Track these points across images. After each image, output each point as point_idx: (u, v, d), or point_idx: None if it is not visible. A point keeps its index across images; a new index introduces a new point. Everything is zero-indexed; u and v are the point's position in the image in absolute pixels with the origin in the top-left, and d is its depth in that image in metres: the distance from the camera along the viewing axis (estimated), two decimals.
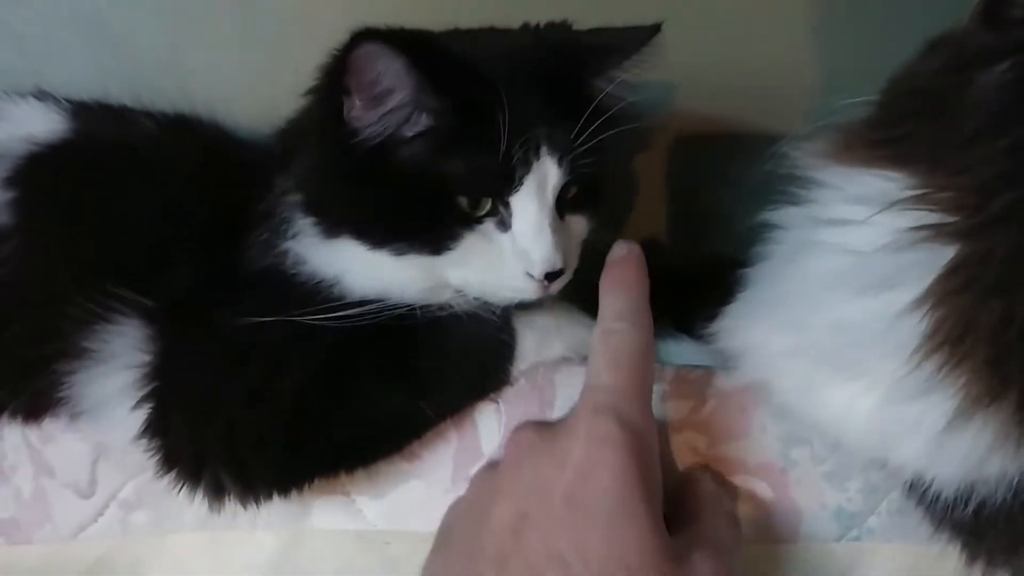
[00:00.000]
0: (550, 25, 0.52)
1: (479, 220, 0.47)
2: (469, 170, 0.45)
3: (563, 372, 0.55)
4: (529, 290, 0.48)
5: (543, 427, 0.46)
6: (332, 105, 0.46)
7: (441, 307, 0.51)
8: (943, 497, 0.44)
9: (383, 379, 0.50)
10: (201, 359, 0.50)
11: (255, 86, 0.69)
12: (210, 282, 0.52)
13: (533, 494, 0.42)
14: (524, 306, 0.53)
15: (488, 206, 0.47)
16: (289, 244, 0.51)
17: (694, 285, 0.58)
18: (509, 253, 0.47)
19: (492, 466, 0.48)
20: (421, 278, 0.49)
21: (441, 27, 0.53)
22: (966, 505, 0.43)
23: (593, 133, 0.46)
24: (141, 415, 0.50)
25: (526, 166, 0.46)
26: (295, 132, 0.53)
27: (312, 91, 0.51)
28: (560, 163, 0.47)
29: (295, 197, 0.50)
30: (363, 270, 0.49)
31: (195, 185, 0.56)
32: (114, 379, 0.51)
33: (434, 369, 0.51)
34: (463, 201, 0.46)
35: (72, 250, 0.53)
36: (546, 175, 0.47)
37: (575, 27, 0.52)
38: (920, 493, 0.46)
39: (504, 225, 0.48)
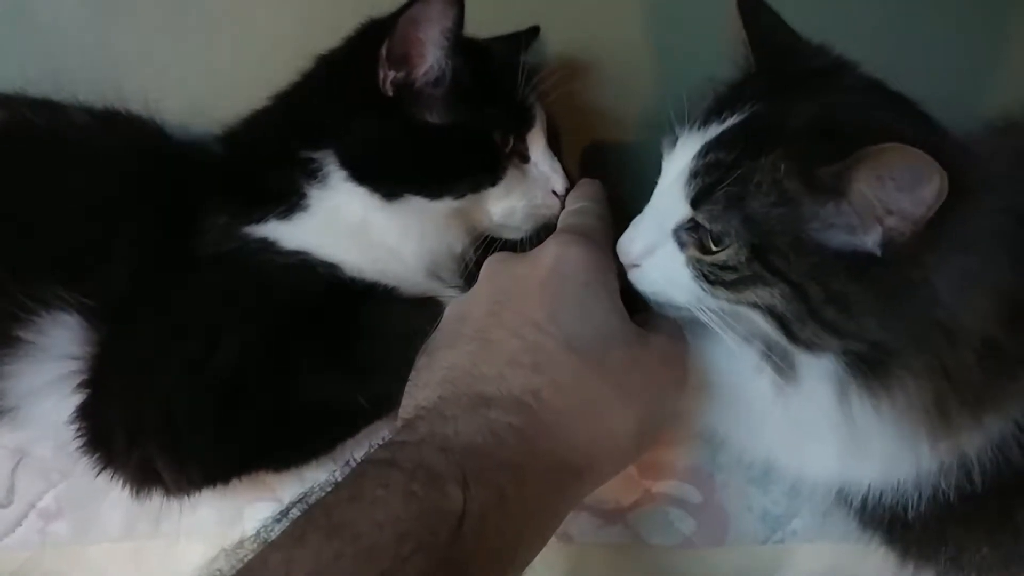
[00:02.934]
0: None
1: (509, 156, 0.56)
2: (501, 113, 0.55)
3: None
4: (556, 206, 0.57)
5: (515, 253, 0.50)
6: (367, 79, 0.52)
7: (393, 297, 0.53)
8: (885, 505, 0.47)
9: (321, 360, 0.50)
10: (141, 340, 0.50)
11: (187, 78, 0.67)
12: (152, 272, 0.52)
13: (509, 287, 0.46)
14: None
15: (511, 144, 0.56)
16: (252, 229, 0.53)
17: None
18: (537, 177, 0.57)
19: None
20: (452, 232, 0.55)
21: None
22: (907, 507, 0.46)
23: (543, 84, 0.58)
24: (70, 407, 0.49)
25: (534, 107, 0.57)
26: (311, 114, 0.55)
27: (326, 73, 0.56)
28: (541, 105, 0.58)
29: (339, 172, 0.53)
30: (388, 236, 0.53)
31: (133, 178, 0.55)
32: (47, 369, 0.50)
33: (372, 357, 0.51)
34: (498, 136, 0.55)
35: (2, 242, 0.52)
36: (542, 115, 0.58)
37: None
38: (859, 504, 0.49)
39: (524, 158, 0.57)
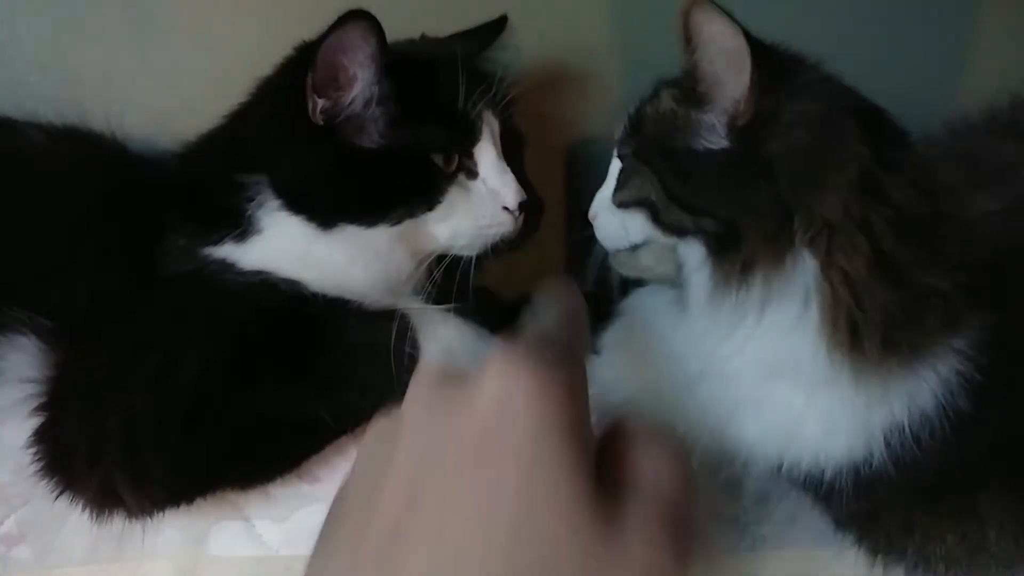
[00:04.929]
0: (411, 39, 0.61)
1: (453, 175, 0.54)
2: (440, 130, 0.53)
3: None
4: (508, 222, 0.56)
5: (450, 370, 0.36)
6: (298, 107, 0.51)
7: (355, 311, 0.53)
8: (839, 482, 0.48)
9: (284, 376, 0.50)
10: (101, 360, 0.50)
11: (150, 93, 0.67)
12: (112, 292, 0.52)
13: (434, 454, 0.33)
14: (429, 319, 0.55)
15: (456, 161, 0.54)
16: (212, 250, 0.53)
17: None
18: (484, 195, 0.55)
19: (389, 416, 0.38)
20: (397, 257, 0.54)
21: None
22: (861, 481, 0.47)
23: (498, 91, 0.57)
24: (28, 430, 0.49)
25: (480, 120, 0.55)
26: (247, 143, 0.55)
27: (262, 100, 0.56)
28: (495, 114, 0.56)
29: (273, 201, 0.53)
30: (333, 263, 0.53)
31: (91, 198, 0.55)
32: (5, 394, 0.50)
33: (335, 373, 0.51)
34: (439, 159, 0.53)
35: None
36: (492, 125, 0.56)
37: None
38: (816, 486, 0.50)
39: (472, 174, 0.55)
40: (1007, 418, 0.46)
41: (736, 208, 0.46)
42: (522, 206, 0.56)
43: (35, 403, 0.49)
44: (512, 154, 0.58)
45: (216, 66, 0.66)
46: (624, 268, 0.54)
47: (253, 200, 0.53)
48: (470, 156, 0.55)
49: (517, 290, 0.67)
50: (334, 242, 0.53)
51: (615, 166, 0.53)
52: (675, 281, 0.51)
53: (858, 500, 0.48)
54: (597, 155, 0.66)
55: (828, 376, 0.45)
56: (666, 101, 0.49)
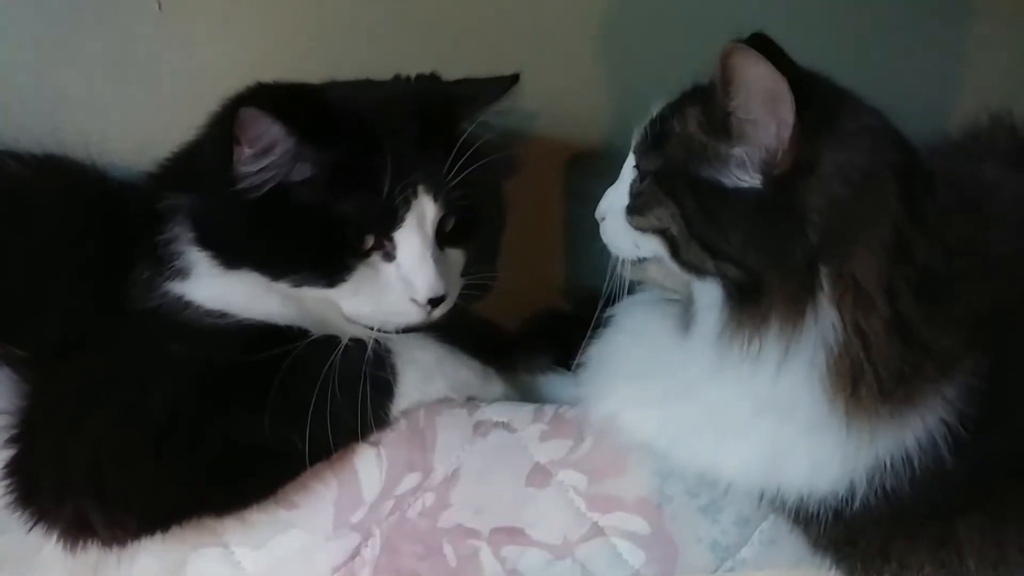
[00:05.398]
0: (420, 76, 0.58)
1: (367, 253, 0.52)
2: (356, 211, 0.50)
3: (445, 415, 0.55)
4: (413, 314, 0.53)
5: None
6: (224, 149, 0.50)
7: (326, 338, 0.52)
8: (822, 509, 0.48)
9: (253, 404, 0.50)
10: (70, 391, 0.50)
11: (131, 118, 0.67)
12: (86, 322, 0.52)
13: None
14: (406, 343, 0.55)
15: (372, 241, 0.51)
16: (171, 285, 0.53)
17: (574, 321, 0.59)
18: (395, 282, 0.52)
19: None
20: (315, 309, 0.53)
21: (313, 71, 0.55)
22: (841, 511, 0.47)
23: (462, 169, 0.52)
24: (1, 462, 0.49)
25: (407, 205, 0.52)
26: (185, 168, 0.55)
27: (203, 132, 0.55)
28: (436, 199, 0.52)
29: (189, 233, 0.52)
30: (254, 301, 0.52)
31: (69, 229, 0.55)
32: None
33: (305, 400, 0.50)
34: (350, 235, 0.51)
35: None
36: (424, 211, 0.52)
37: (443, 78, 0.58)
38: (798, 514, 0.49)
39: (389, 256, 0.52)
40: (989, 453, 0.46)
41: (763, 260, 0.45)
42: (434, 301, 0.53)
43: (7, 435, 0.49)
44: (475, 231, 0.56)
45: (197, 93, 0.66)
46: (629, 273, 0.52)
47: (175, 231, 0.53)
48: (389, 239, 0.52)
49: (511, 297, 0.67)
50: (239, 282, 0.52)
51: (629, 169, 0.52)
52: (680, 296, 0.51)
53: (836, 527, 0.48)
54: (599, 162, 0.66)
55: (823, 419, 0.45)
56: (692, 124, 0.47)
